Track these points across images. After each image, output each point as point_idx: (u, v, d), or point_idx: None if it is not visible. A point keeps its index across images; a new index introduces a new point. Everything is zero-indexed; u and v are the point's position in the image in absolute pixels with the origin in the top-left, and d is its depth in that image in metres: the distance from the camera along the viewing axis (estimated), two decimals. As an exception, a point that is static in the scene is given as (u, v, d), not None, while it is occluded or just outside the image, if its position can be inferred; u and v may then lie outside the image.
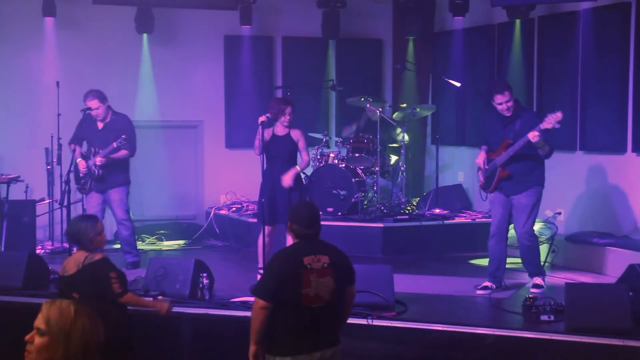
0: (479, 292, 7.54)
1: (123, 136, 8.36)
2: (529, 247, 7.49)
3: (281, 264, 4.54)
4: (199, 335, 6.60)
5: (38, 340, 2.84)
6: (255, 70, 11.44)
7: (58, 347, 2.81)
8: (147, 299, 5.42)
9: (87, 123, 8.69)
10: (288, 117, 7.69)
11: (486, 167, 7.53)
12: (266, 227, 7.59)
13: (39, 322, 2.85)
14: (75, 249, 5.29)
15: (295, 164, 7.82)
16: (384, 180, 10.60)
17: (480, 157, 7.60)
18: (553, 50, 9.67)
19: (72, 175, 8.43)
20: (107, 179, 8.57)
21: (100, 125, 8.65)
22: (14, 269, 7.36)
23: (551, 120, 6.98)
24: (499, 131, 7.45)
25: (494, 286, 7.55)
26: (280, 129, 7.75)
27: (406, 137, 10.39)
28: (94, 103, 8.53)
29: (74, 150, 8.78)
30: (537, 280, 7.51)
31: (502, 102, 7.32)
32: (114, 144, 8.36)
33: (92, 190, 8.66)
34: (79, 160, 8.62)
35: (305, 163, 7.85)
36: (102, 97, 8.57)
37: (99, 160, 8.42)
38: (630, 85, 8.67)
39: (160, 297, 6.91)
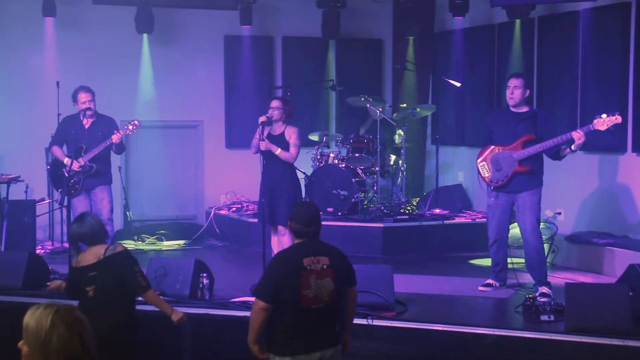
0: (481, 288, 7.55)
1: (121, 132, 8.32)
2: (537, 247, 7.24)
3: (280, 265, 4.54)
4: (199, 335, 6.59)
5: (23, 348, 2.84)
6: (255, 70, 11.44)
7: (36, 357, 2.79)
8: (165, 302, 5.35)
9: (70, 124, 8.65)
10: (273, 112, 7.52)
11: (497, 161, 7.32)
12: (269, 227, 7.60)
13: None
14: (83, 248, 5.18)
15: (291, 164, 7.63)
16: (384, 180, 10.60)
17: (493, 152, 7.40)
18: (553, 50, 9.66)
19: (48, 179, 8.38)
20: (100, 175, 8.51)
21: (86, 123, 8.55)
22: (14, 269, 7.36)
23: (607, 122, 6.86)
24: (512, 126, 7.28)
25: (497, 284, 7.57)
26: (276, 128, 7.63)
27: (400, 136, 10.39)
28: (87, 96, 8.47)
29: (50, 152, 8.72)
30: (544, 289, 7.12)
31: (510, 86, 7.25)
32: (119, 133, 8.28)
33: (81, 192, 8.50)
34: (66, 160, 8.44)
35: (290, 155, 7.52)
36: (92, 92, 8.55)
37: (116, 138, 8.27)
38: (630, 85, 8.66)
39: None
